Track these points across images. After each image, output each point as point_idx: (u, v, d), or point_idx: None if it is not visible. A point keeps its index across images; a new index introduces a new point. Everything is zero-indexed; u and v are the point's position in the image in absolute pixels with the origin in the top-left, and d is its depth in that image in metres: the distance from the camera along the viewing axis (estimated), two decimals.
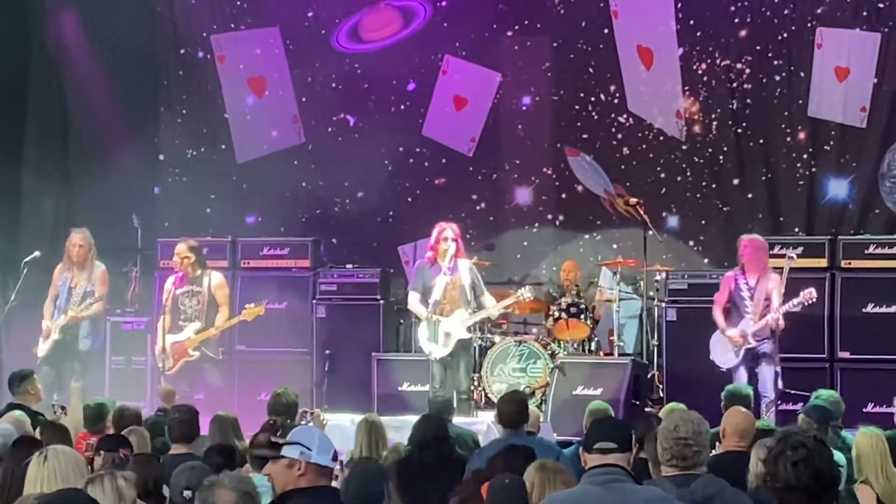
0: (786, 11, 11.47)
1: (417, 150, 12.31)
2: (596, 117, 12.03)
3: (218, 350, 9.92)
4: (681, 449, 4.43)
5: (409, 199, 12.33)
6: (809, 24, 11.40)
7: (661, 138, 11.86)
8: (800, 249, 10.16)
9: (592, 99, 12.02)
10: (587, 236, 12.09)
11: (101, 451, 5.82)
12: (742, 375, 9.38)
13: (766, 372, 9.37)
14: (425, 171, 12.31)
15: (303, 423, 7.49)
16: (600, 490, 3.97)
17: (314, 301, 11.08)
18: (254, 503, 3.83)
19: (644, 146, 11.91)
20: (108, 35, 12.35)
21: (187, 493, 4.48)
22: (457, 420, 7.98)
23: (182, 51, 12.66)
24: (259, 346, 10.43)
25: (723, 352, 9.54)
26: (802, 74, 11.42)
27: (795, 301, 9.28)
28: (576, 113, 12.07)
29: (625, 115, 11.95)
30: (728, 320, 9.51)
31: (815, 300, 9.32)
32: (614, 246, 11.91)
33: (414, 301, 9.61)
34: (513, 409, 6.56)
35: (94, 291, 9.92)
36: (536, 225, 12.19)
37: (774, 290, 9.35)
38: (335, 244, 12.19)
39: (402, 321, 11.16)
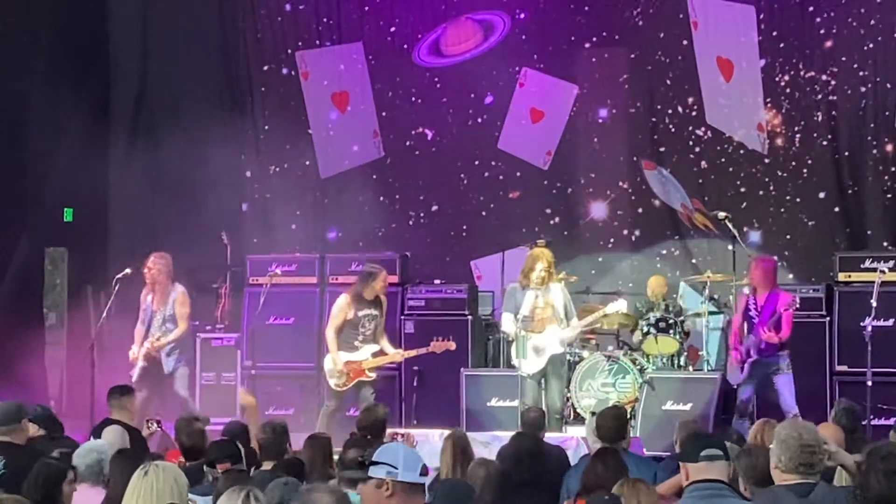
0: (872, 22, 11.36)
1: (493, 163, 12.30)
2: (673, 130, 11.95)
3: None
4: (808, 456, 4.41)
5: (484, 214, 12.31)
6: None
7: (742, 151, 11.75)
8: (891, 263, 10.11)
9: (670, 111, 11.94)
10: (664, 251, 11.99)
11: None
12: (746, 392, 9.43)
13: (784, 385, 9.37)
14: (500, 185, 12.28)
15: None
16: None
17: (402, 316, 11.02)
18: None
19: (723, 160, 11.81)
20: (192, 52, 12.47)
21: None
22: (546, 436, 7.95)
23: (266, 67, 12.71)
24: None
25: (733, 370, 9.62)
26: (889, 86, 11.31)
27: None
28: (653, 126, 11.99)
29: (703, 128, 11.86)
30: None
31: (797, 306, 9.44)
32: (693, 261, 11.80)
33: (508, 322, 9.57)
34: (613, 424, 6.66)
35: (175, 315, 9.97)
36: (612, 240, 12.09)
37: (783, 310, 9.37)
38: (409, 258, 12.21)
39: (489, 337, 11.12)
